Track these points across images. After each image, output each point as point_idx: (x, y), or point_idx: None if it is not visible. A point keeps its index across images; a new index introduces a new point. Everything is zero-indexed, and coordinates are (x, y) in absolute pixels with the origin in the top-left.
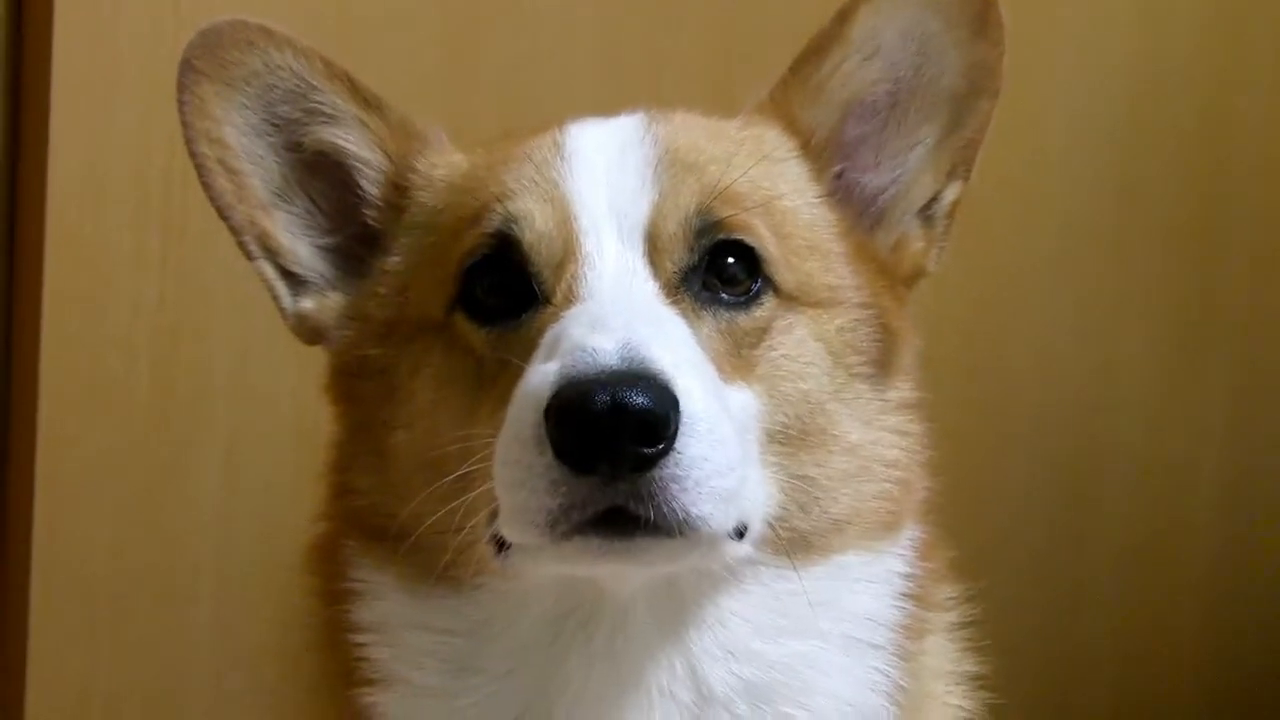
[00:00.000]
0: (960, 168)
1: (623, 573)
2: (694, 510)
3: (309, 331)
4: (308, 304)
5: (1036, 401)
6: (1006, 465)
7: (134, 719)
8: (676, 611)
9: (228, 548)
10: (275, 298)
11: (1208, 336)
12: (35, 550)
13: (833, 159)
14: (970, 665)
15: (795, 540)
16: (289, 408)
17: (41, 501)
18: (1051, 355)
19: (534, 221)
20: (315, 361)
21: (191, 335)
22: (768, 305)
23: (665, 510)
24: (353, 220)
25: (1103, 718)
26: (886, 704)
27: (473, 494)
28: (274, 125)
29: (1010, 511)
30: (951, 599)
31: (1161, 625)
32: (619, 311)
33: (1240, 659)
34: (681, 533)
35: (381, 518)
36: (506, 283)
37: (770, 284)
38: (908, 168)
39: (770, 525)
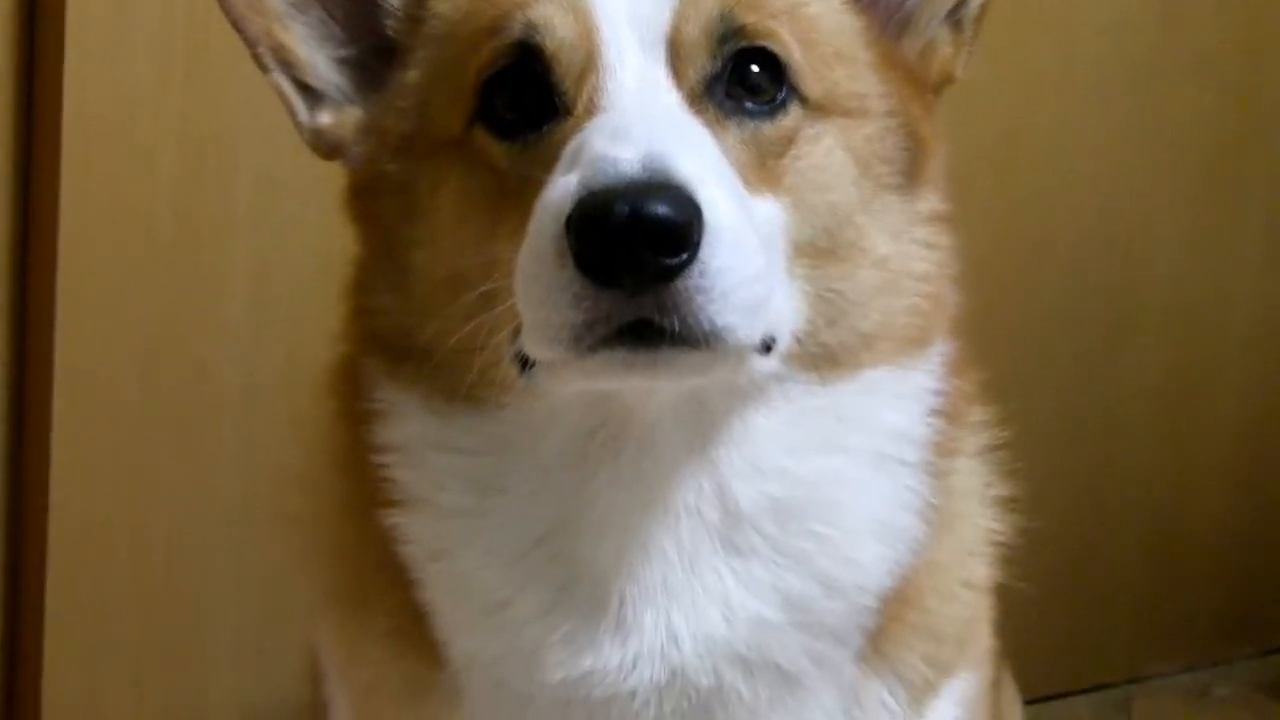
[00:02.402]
0: None
1: (649, 387)
2: (720, 321)
3: (326, 147)
4: (324, 118)
5: (1071, 233)
6: (1040, 296)
7: (159, 548)
8: (703, 428)
9: (253, 374)
10: (291, 112)
11: (1244, 170)
12: (57, 380)
13: None
14: (1002, 488)
15: (823, 355)
16: (315, 232)
17: (63, 330)
18: (1087, 186)
19: (555, 30)
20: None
21: (215, 159)
22: (793, 114)
23: (691, 321)
24: (370, 31)
25: (1132, 550)
26: (917, 521)
27: (495, 311)
28: None
29: (1042, 344)
30: (983, 421)
31: (1192, 460)
32: (641, 121)
33: (1272, 493)
34: (708, 344)
35: (403, 338)
36: (527, 95)
37: (796, 93)
38: None
39: (798, 340)
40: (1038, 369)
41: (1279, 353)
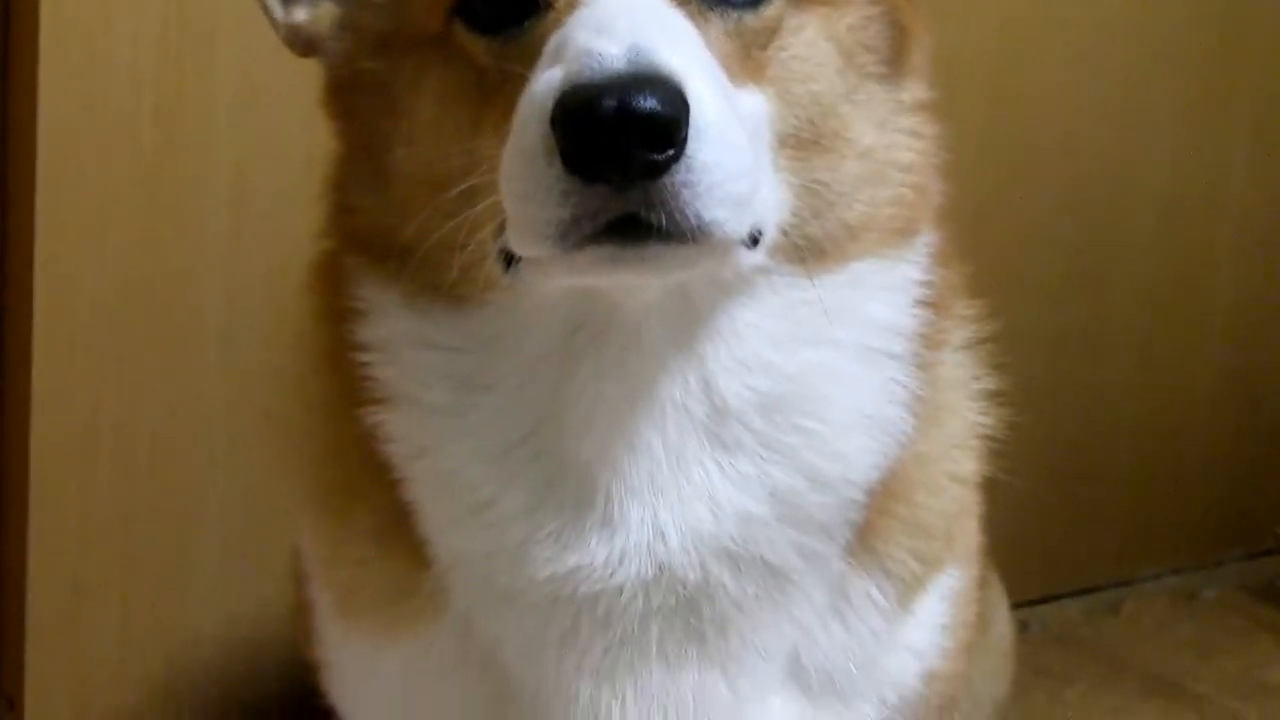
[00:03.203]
0: None
1: (636, 282)
2: (707, 215)
3: (301, 44)
4: (299, 14)
5: (1061, 130)
6: (1029, 196)
7: (143, 454)
8: (689, 324)
9: (236, 278)
10: (265, 9)
11: (1233, 68)
12: (38, 287)
13: None
14: (989, 381)
15: (809, 248)
16: (297, 135)
17: (44, 238)
18: (1077, 86)
19: None
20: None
21: (195, 66)
22: (776, 4)
23: (678, 216)
24: None
25: (1121, 454)
26: (903, 414)
27: (477, 207)
28: None
29: (1031, 243)
30: (970, 314)
31: (1183, 363)
32: (624, 14)
33: (1262, 398)
34: (695, 239)
35: (383, 236)
36: None
37: None
38: None
39: (784, 233)
40: (1025, 270)
41: (1269, 254)
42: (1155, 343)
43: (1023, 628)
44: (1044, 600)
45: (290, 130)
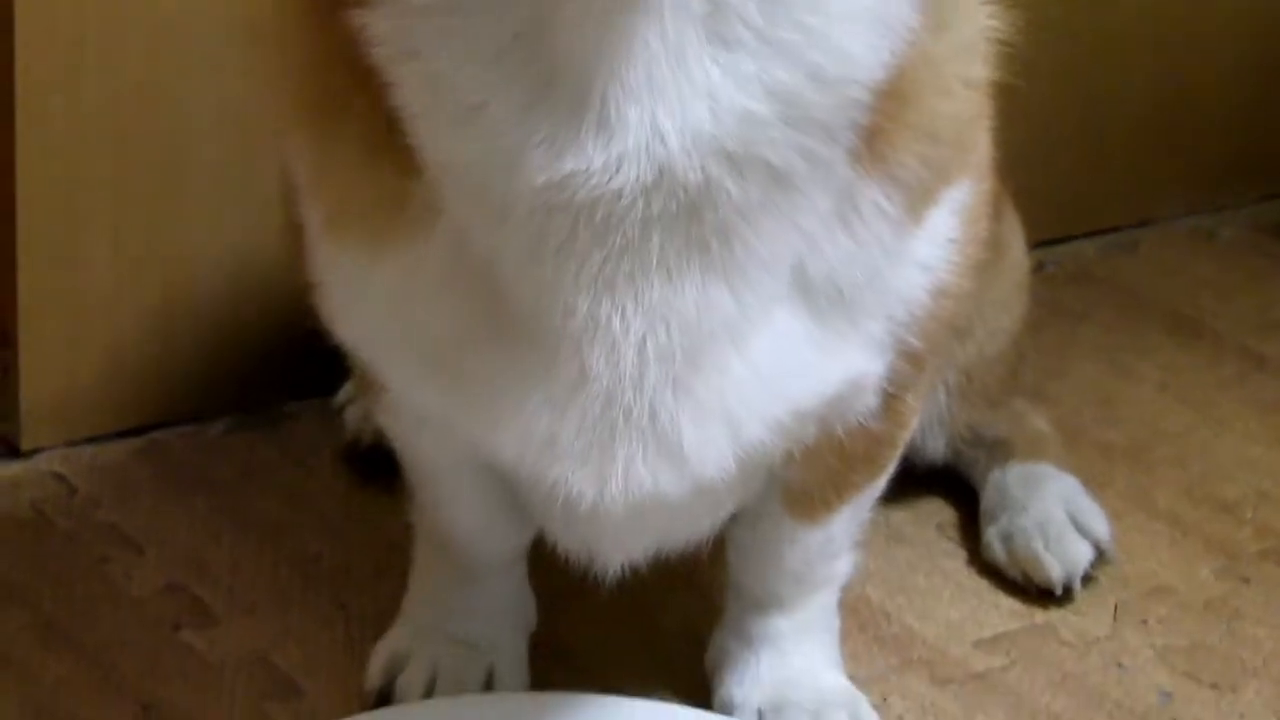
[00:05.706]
0: None
1: None
2: None
3: None
4: None
5: None
6: None
7: (131, 79)
8: None
9: None
10: None
11: None
12: None
13: None
14: None
15: None
16: None
17: None
18: None
19: None
20: None
21: None
22: None
23: None
24: None
25: (1139, 94)
26: (910, 11)
27: None
28: None
29: None
30: None
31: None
32: None
33: None
34: None
35: None
36: None
37: None
38: None
39: None
40: None
41: None
42: None
43: (1038, 267)
44: (1060, 241)
45: None
